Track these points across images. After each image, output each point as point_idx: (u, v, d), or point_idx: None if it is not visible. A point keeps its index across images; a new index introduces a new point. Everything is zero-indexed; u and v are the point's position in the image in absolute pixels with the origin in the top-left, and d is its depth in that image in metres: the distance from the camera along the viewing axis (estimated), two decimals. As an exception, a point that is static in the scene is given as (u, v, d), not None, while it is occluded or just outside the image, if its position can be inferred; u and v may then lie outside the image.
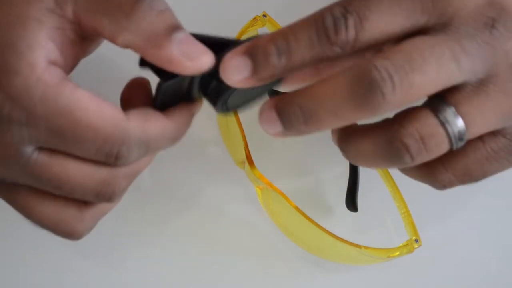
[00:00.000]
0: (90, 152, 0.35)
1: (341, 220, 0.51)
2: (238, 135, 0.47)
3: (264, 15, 0.49)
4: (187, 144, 0.52)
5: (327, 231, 0.46)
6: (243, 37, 0.49)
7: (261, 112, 0.35)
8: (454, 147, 0.35)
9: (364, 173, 0.50)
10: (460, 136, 0.34)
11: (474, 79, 0.34)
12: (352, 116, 0.34)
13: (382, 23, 0.33)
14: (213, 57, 0.35)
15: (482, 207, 0.52)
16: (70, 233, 0.39)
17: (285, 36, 0.34)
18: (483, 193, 0.52)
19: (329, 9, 0.33)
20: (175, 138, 0.38)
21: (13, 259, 0.49)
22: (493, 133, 0.36)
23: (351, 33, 0.33)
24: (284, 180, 0.51)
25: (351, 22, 0.33)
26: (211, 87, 0.37)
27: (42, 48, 0.35)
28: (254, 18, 0.49)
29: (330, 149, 0.41)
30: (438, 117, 0.34)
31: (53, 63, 0.35)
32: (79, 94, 0.35)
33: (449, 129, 0.34)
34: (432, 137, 0.34)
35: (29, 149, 0.35)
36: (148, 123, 0.36)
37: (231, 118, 0.48)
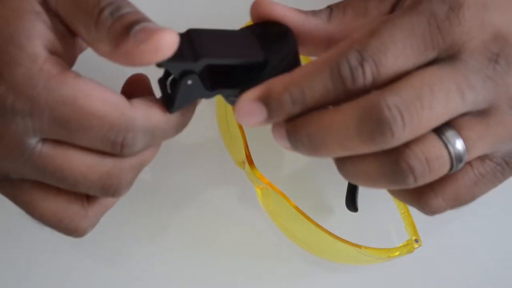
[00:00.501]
0: (96, 141, 0.35)
1: (341, 220, 0.51)
2: (238, 135, 0.47)
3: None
4: (187, 144, 0.52)
5: (327, 231, 0.46)
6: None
7: (273, 127, 0.36)
8: (454, 170, 0.35)
9: (364, 173, 0.50)
10: (460, 158, 0.34)
11: (475, 109, 0.34)
12: (358, 149, 0.34)
13: (396, 65, 0.33)
14: (176, 34, 0.34)
15: (482, 207, 0.52)
16: (73, 230, 0.39)
17: (299, 84, 0.34)
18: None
19: (344, 55, 0.33)
20: (179, 125, 0.38)
21: (15, 258, 0.49)
22: (480, 158, 0.36)
23: (368, 79, 0.33)
24: (284, 180, 0.52)
25: (368, 70, 0.33)
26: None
27: (41, 38, 0.35)
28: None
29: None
30: (441, 139, 0.34)
31: (54, 52, 0.35)
32: (82, 82, 0.35)
33: (452, 150, 0.34)
34: (436, 159, 0.34)
35: (33, 141, 0.35)
36: (152, 110, 0.36)
37: (231, 118, 0.48)
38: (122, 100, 0.35)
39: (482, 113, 0.35)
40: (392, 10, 0.38)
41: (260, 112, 0.34)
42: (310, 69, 0.34)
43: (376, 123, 0.33)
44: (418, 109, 0.33)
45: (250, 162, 0.47)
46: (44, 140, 0.35)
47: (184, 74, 0.36)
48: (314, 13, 0.39)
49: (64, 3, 0.35)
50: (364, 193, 0.49)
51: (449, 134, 0.34)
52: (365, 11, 0.38)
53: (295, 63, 0.38)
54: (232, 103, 0.38)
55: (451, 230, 0.51)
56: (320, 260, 0.50)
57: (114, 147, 0.36)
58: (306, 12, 0.38)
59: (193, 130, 0.40)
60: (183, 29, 0.37)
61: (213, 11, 0.54)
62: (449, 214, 0.52)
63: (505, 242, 0.52)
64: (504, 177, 0.37)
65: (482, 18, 0.34)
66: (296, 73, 0.34)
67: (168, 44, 0.34)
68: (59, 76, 0.34)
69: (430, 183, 0.36)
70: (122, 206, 0.48)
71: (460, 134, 0.34)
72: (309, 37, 0.38)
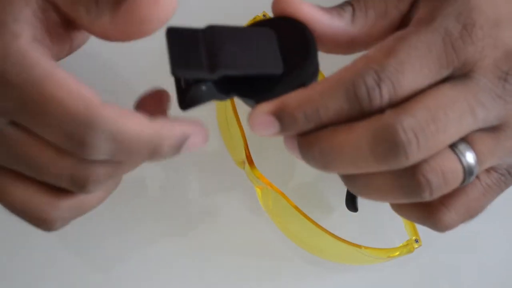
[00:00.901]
0: (56, 132, 0.34)
1: (341, 220, 0.51)
2: (238, 135, 0.47)
3: (264, 15, 0.49)
4: (187, 144, 0.51)
5: (327, 231, 0.46)
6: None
7: (286, 138, 0.36)
8: (466, 182, 0.35)
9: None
10: (472, 171, 0.35)
11: (486, 126, 0.35)
12: (371, 168, 0.34)
13: (413, 85, 0.33)
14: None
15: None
16: (42, 220, 0.37)
17: (313, 103, 0.34)
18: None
19: (361, 75, 0.33)
20: (152, 147, 0.35)
21: (13, 263, 0.49)
22: (486, 170, 0.37)
23: (385, 100, 0.33)
24: (284, 180, 0.52)
25: (385, 90, 0.33)
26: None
27: (28, 24, 0.34)
28: (254, 18, 0.49)
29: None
30: (455, 152, 0.34)
31: (39, 41, 0.35)
32: (58, 71, 0.34)
33: (465, 163, 0.34)
34: (451, 172, 0.34)
35: (2, 120, 0.34)
36: (125, 117, 0.34)
37: (231, 118, 0.48)
38: (94, 97, 0.34)
39: (492, 129, 0.35)
40: (410, 9, 0.37)
41: (273, 125, 0.34)
42: (326, 88, 0.34)
43: (391, 145, 0.33)
44: (433, 132, 0.33)
45: (250, 162, 0.47)
46: (13, 123, 0.35)
47: (199, 81, 0.35)
48: (338, 12, 0.37)
49: None
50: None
51: (462, 147, 0.34)
52: (385, 12, 0.38)
53: (313, 78, 0.37)
54: (247, 104, 0.38)
55: (451, 230, 0.51)
56: (320, 260, 0.50)
57: (71, 143, 0.34)
58: (330, 12, 0.37)
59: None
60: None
61: (209, 16, 0.54)
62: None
63: (505, 242, 0.52)
64: (506, 186, 0.38)
65: (495, 37, 0.34)
66: (311, 91, 0.34)
67: (167, 9, 0.33)
68: (36, 59, 0.33)
69: (441, 198, 0.36)
70: (120, 206, 0.48)
71: (472, 147, 0.35)
72: (332, 39, 0.38)
